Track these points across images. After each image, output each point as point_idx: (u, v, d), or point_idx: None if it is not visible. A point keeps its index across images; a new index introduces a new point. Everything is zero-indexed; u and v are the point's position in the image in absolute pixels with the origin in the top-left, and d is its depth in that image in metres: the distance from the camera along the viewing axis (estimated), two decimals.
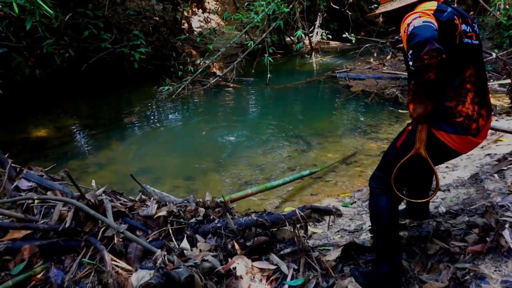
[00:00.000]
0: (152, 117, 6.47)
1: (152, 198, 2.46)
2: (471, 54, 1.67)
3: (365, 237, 2.37)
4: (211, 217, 2.28)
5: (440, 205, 2.65)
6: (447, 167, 3.60)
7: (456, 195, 2.81)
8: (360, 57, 8.77)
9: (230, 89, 7.89)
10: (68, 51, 7.33)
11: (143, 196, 2.57)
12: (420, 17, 1.49)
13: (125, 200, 2.37)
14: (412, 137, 1.72)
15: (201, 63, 8.72)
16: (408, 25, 1.50)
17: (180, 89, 7.29)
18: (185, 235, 2.11)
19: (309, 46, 10.93)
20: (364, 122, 5.70)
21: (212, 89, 7.83)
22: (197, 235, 2.13)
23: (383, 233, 1.80)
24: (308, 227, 2.27)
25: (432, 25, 1.47)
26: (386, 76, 7.66)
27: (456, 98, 1.66)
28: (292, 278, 1.92)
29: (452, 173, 3.43)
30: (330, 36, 10.52)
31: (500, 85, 6.36)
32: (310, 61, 10.21)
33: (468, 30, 1.66)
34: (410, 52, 1.46)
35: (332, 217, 2.45)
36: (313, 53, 10.66)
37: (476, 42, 1.69)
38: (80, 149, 5.16)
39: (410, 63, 1.48)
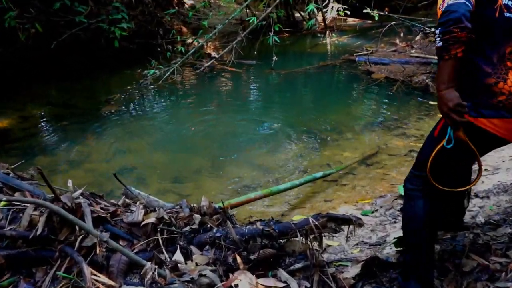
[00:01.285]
0: (135, 107, 6.48)
1: (138, 203, 2.48)
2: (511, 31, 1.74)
3: (389, 251, 2.38)
4: (209, 225, 2.31)
5: (478, 214, 2.68)
6: (486, 169, 3.61)
7: (497, 203, 2.83)
8: (384, 37, 8.68)
9: (228, 74, 7.94)
10: (35, 25, 7.27)
11: (127, 200, 2.59)
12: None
13: (106, 204, 2.39)
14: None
15: (193, 43, 8.74)
16: (443, 0, 1.65)
17: (168, 73, 7.31)
18: (178, 246, 2.13)
19: (322, 24, 10.84)
20: (387, 116, 5.73)
21: (207, 73, 7.85)
22: (192, 246, 2.14)
23: (417, 244, 1.84)
24: (323, 238, 2.29)
25: (467, 1, 1.61)
26: (415, 60, 7.58)
27: (495, 75, 1.73)
28: None
29: (492, 176, 3.43)
30: (348, 12, 10.30)
31: None
32: (324, 41, 10.24)
33: (511, 5, 1.74)
34: (439, 29, 1.62)
35: (351, 227, 2.48)
36: (327, 32, 10.61)
37: None
38: (49, 144, 5.17)
39: (438, 39, 1.63)
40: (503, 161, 3.76)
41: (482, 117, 1.74)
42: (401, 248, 2.24)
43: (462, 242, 2.27)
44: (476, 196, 3.09)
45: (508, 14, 1.74)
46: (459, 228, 2.37)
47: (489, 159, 3.79)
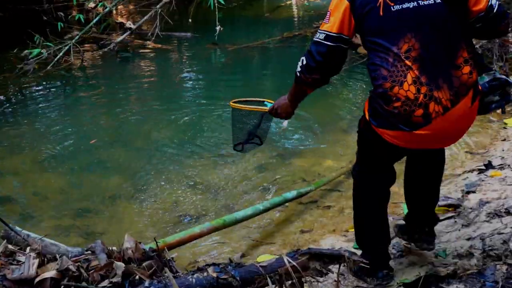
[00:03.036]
0: (12, 107, 6.38)
1: (28, 249, 2.42)
2: (411, 22, 2.23)
3: None
4: (137, 276, 2.25)
5: None
6: None
7: None
8: None
9: (151, 52, 7.89)
10: None
11: (9, 247, 2.51)
12: (327, 19, 2.35)
13: None
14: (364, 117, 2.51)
15: (97, 8, 8.63)
16: (327, 13, 2.38)
17: (61, 53, 7.23)
18: None
19: None
20: None
21: (119, 53, 7.77)
22: None
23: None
24: (305, 285, 2.31)
25: (327, 40, 2.36)
26: None
27: (391, 78, 2.24)
28: None
29: None
30: None
31: None
32: (288, 2, 10.44)
33: None
34: (301, 63, 2.47)
35: (342, 267, 2.54)
36: None
37: (425, 2, 2.24)
38: None
39: (297, 69, 2.50)
40: None
41: (380, 127, 2.35)
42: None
43: (493, 278, 2.37)
44: (508, 212, 3.22)
45: (396, 7, 2.23)
46: (431, 235, 2.87)
47: None
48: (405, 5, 2.24)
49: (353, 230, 3.61)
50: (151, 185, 4.66)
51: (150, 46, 8.02)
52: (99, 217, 4.20)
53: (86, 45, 7.90)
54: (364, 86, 6.56)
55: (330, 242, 3.58)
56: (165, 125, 5.89)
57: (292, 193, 4.12)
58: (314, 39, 2.40)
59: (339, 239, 3.63)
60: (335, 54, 2.39)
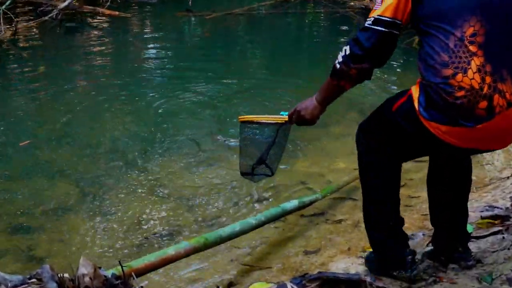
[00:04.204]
0: None
1: None
2: (476, 4, 2.38)
3: None
4: None
5: None
6: None
7: None
8: None
9: (104, 22, 7.89)
10: None
11: None
12: (379, 4, 2.51)
13: None
14: (411, 106, 2.56)
15: None
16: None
17: None
18: None
19: None
20: (402, 84, 6.02)
21: (63, 23, 7.77)
22: None
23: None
24: None
25: (378, 25, 2.50)
26: None
27: (453, 64, 2.38)
28: None
29: None
30: None
31: None
32: None
33: None
34: (344, 53, 2.59)
35: None
36: None
37: None
38: None
39: (338, 61, 2.62)
40: None
41: (433, 121, 2.46)
42: None
43: None
44: None
45: None
46: (467, 256, 3.02)
47: None
48: None
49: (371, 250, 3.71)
50: (108, 194, 4.66)
51: (103, 14, 7.99)
52: (41, 235, 4.16)
53: (20, 14, 7.87)
54: (377, 71, 6.58)
55: (343, 265, 3.52)
56: (124, 116, 5.87)
57: (292, 203, 4.10)
58: (363, 26, 2.53)
59: (355, 261, 3.57)
60: (386, 40, 2.52)
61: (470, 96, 2.35)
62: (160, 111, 6.02)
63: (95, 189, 4.73)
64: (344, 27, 7.62)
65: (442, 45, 2.39)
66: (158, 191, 4.69)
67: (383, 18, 2.47)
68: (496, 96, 2.35)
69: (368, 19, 2.54)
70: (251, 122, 3.32)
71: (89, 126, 5.76)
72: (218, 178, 4.81)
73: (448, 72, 2.37)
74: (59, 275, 2.50)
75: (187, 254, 3.42)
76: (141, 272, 3.15)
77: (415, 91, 2.55)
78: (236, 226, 3.76)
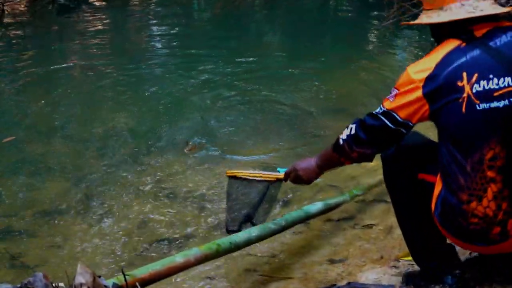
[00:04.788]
0: None
1: None
2: (498, 125, 2.48)
3: None
4: None
5: None
6: None
7: None
8: None
9: (99, 5, 7.97)
10: None
11: None
12: (392, 97, 2.65)
13: None
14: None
15: None
16: (393, 90, 2.65)
17: None
18: None
19: None
20: None
21: (56, 1, 7.81)
22: None
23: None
24: None
25: (387, 119, 2.66)
26: None
27: (469, 190, 2.52)
28: None
29: None
30: None
31: None
32: None
33: (497, 87, 2.47)
34: (357, 123, 2.78)
35: None
36: None
37: None
38: None
39: (343, 137, 2.82)
40: None
41: (447, 231, 2.67)
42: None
43: None
44: None
45: (483, 105, 2.47)
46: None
47: None
48: (494, 104, 2.47)
49: (407, 258, 3.59)
50: (106, 193, 4.68)
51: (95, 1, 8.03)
52: (31, 239, 4.18)
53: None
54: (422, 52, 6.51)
55: (373, 276, 3.52)
56: (124, 104, 5.90)
57: (316, 206, 4.07)
58: (373, 112, 2.71)
59: (387, 271, 3.57)
60: (392, 135, 2.70)
61: (483, 223, 2.50)
62: (164, 97, 6.05)
63: (91, 188, 4.76)
64: (378, 12, 7.59)
65: (459, 166, 2.52)
66: (163, 190, 4.70)
67: (394, 115, 2.62)
68: (510, 221, 2.49)
69: (380, 107, 2.68)
70: (241, 178, 3.54)
71: (83, 117, 5.79)
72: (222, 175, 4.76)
73: (463, 197, 2.51)
74: (53, 284, 2.50)
75: (198, 262, 3.37)
76: (146, 282, 3.08)
77: (438, 184, 2.68)
78: (253, 231, 3.70)
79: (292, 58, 6.70)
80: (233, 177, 3.57)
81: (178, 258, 3.32)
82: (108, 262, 3.90)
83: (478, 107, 2.46)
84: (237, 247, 3.61)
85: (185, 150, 5.33)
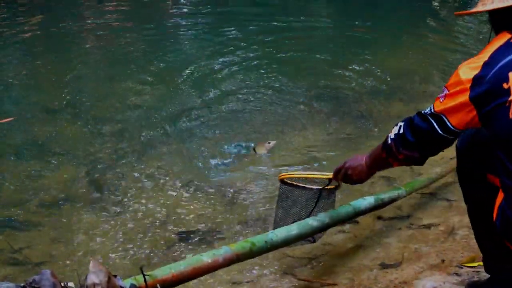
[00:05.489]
0: None
1: None
2: None
3: None
4: None
5: None
6: None
7: None
8: None
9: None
10: None
11: None
12: (443, 97, 2.75)
13: None
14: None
15: None
16: (444, 89, 2.75)
17: None
18: None
19: None
20: None
21: None
22: None
23: None
24: None
25: (437, 122, 2.77)
26: None
27: None
28: None
29: None
30: None
31: None
32: None
33: None
34: (406, 123, 2.89)
35: None
36: None
37: None
38: None
39: (391, 138, 2.95)
40: None
41: (503, 237, 2.71)
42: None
43: None
44: None
45: None
46: None
47: None
48: None
49: (472, 264, 3.71)
50: (121, 181, 4.71)
51: None
52: (37, 232, 4.20)
53: None
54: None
55: (432, 284, 3.52)
56: (142, 81, 5.95)
57: (367, 201, 4.04)
58: (422, 111, 2.83)
59: (448, 279, 3.57)
60: (440, 142, 2.83)
61: None
62: (189, 75, 6.10)
63: (105, 176, 4.79)
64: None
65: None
66: (187, 181, 4.72)
67: (444, 119, 2.73)
68: None
69: (430, 107, 2.79)
70: (292, 180, 3.74)
71: (95, 94, 5.85)
72: (263, 164, 4.88)
73: None
74: (62, 283, 2.51)
75: (228, 263, 3.35)
76: (168, 284, 3.10)
77: (500, 192, 2.73)
78: (293, 229, 3.68)
79: (340, 26, 6.98)
80: (284, 181, 3.74)
81: (205, 257, 3.29)
82: (124, 260, 3.92)
83: None
84: (273, 246, 3.58)
85: (258, 152, 5.28)
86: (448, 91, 2.70)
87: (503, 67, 2.53)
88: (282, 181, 3.77)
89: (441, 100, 2.71)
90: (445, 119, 2.70)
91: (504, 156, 2.57)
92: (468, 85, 2.59)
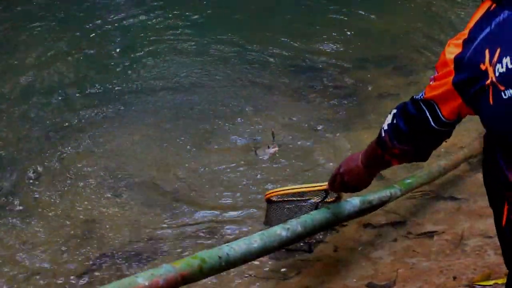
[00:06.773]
0: None
1: None
2: None
3: None
4: None
5: None
6: None
7: None
8: None
9: None
10: None
11: None
12: (434, 80, 2.58)
13: None
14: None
15: None
16: (434, 72, 2.58)
17: None
18: None
19: None
20: None
21: None
22: None
23: None
24: None
25: (431, 115, 2.62)
26: None
27: None
28: None
29: None
30: None
31: None
32: None
33: None
34: (399, 109, 2.79)
35: None
36: None
37: None
38: None
39: (383, 129, 2.83)
40: None
41: None
42: None
43: None
44: None
45: (508, 92, 2.24)
46: None
47: None
48: None
49: (487, 283, 3.64)
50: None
51: None
52: None
53: None
54: None
55: None
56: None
57: (351, 203, 3.80)
58: (415, 96, 2.71)
59: None
60: (433, 135, 2.69)
61: None
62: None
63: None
64: None
65: (505, 179, 2.38)
66: (116, 180, 4.80)
67: (435, 107, 2.58)
68: None
69: (423, 91, 2.66)
70: (280, 201, 3.72)
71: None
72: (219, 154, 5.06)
73: None
74: None
75: (170, 286, 3.09)
76: None
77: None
78: (254, 241, 3.48)
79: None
80: (271, 200, 3.71)
81: (141, 279, 3.01)
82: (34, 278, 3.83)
83: (504, 95, 2.23)
84: (230, 263, 3.38)
85: (260, 156, 5.27)
86: (437, 72, 2.54)
87: (480, 44, 2.34)
88: (269, 201, 3.74)
89: (431, 83, 2.56)
90: (436, 107, 2.57)
91: (496, 152, 2.43)
92: (452, 67, 2.43)
